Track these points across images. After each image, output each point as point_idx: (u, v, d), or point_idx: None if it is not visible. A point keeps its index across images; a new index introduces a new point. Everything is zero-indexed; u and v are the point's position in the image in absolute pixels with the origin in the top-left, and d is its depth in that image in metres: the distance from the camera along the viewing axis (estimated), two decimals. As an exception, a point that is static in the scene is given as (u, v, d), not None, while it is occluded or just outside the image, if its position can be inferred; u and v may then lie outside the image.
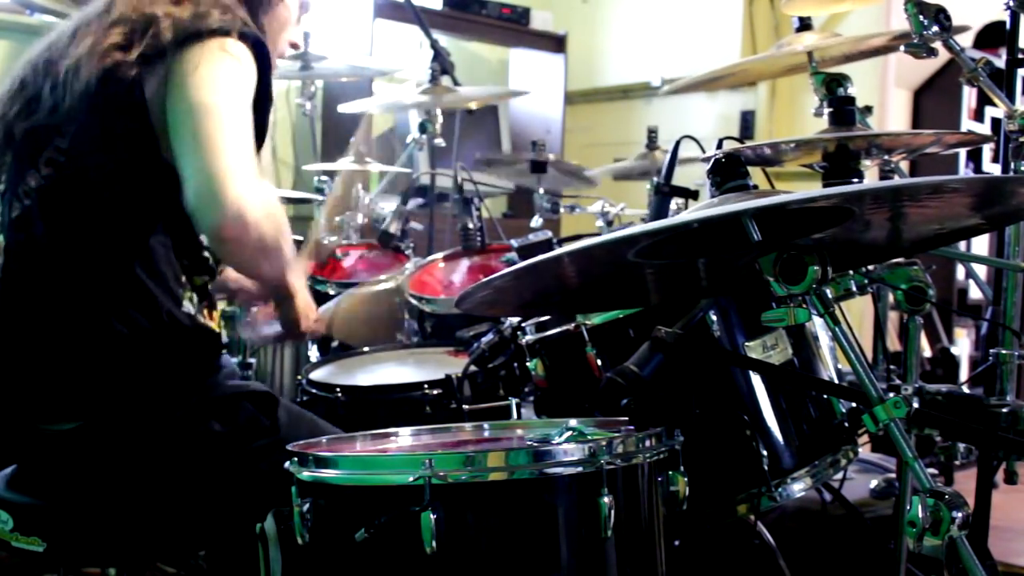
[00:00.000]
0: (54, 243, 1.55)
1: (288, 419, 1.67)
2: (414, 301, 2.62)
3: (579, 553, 1.25)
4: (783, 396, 1.64)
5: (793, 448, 1.63)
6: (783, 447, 1.63)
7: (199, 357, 1.62)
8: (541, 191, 3.28)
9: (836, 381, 1.74)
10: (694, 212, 1.31)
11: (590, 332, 1.66)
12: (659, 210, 2.10)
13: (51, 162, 1.55)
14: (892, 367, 2.48)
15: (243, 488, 1.57)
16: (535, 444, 1.37)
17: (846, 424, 1.67)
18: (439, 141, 3.23)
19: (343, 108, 3.39)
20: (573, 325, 1.69)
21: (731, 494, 1.62)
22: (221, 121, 1.47)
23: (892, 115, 4.91)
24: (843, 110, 1.73)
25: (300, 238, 2.98)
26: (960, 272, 4.80)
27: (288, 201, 3.57)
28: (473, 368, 2.11)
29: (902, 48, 1.82)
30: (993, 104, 1.84)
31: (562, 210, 3.35)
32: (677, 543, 1.71)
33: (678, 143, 2.09)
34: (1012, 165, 1.82)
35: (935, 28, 1.75)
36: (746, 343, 1.63)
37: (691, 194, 2.21)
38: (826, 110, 1.77)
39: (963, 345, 5.04)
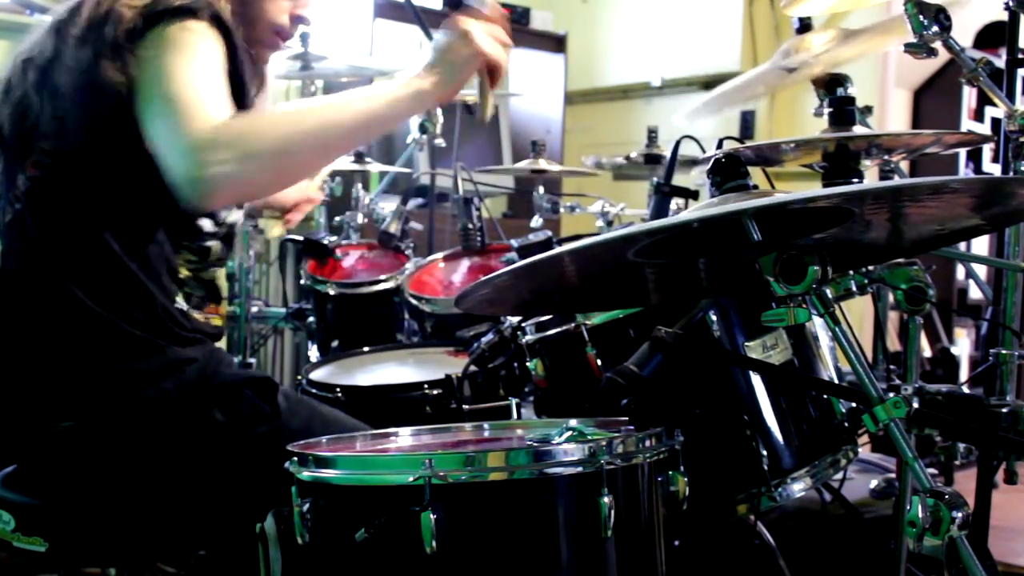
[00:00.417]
0: (46, 244, 1.55)
1: (287, 404, 1.67)
2: (414, 301, 2.62)
3: (579, 553, 1.25)
4: (783, 396, 1.64)
5: (793, 448, 1.63)
6: (783, 447, 1.63)
7: (196, 350, 1.62)
8: (541, 191, 3.28)
9: (836, 381, 1.74)
10: (694, 212, 1.31)
11: (590, 332, 1.66)
12: (659, 210, 2.10)
13: (37, 164, 1.55)
14: (892, 367, 2.48)
15: (246, 479, 1.57)
16: (535, 444, 1.37)
17: (846, 424, 1.67)
18: (439, 141, 3.23)
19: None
20: (573, 325, 1.69)
21: (731, 494, 1.62)
22: (179, 96, 1.41)
23: (892, 115, 4.91)
24: (843, 110, 1.74)
25: (299, 238, 3.00)
26: (960, 272, 4.80)
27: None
28: (473, 368, 2.11)
29: (902, 48, 1.82)
30: (993, 104, 1.84)
31: (562, 210, 3.35)
32: (677, 543, 1.72)
33: (678, 143, 2.09)
34: (1012, 165, 1.82)
35: (935, 28, 1.75)
36: (746, 343, 1.63)
37: (691, 194, 2.21)
38: (826, 110, 1.77)
39: (963, 345, 5.05)
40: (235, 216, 1.72)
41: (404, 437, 1.55)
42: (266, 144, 1.39)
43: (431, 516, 1.18)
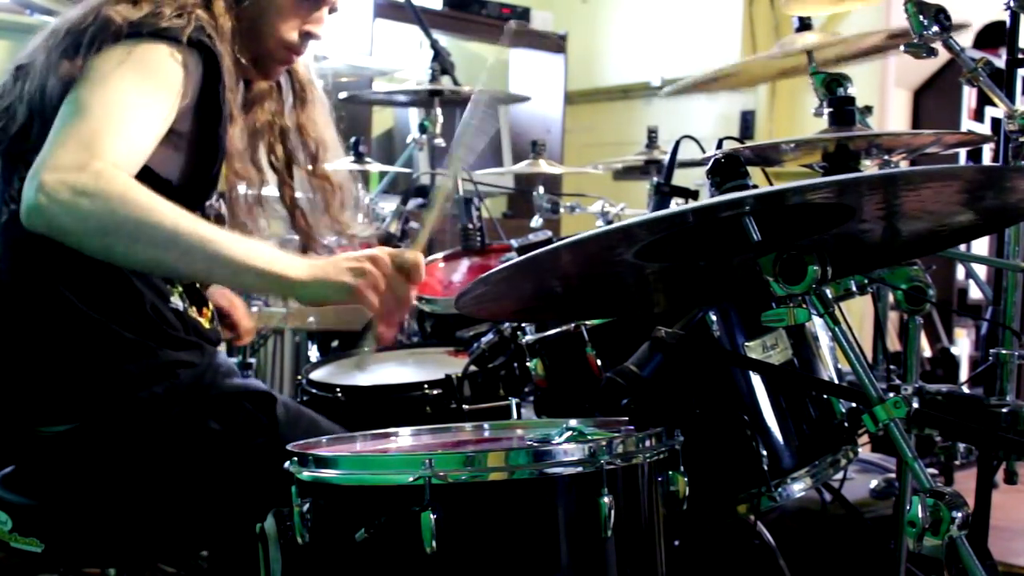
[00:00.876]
0: (36, 245, 1.54)
1: (287, 417, 1.66)
2: (414, 301, 2.62)
3: (579, 553, 1.25)
4: (783, 396, 1.64)
5: (793, 448, 1.63)
6: (783, 447, 1.63)
7: (192, 352, 1.62)
8: (541, 190, 3.28)
9: (836, 381, 1.74)
10: (691, 206, 1.31)
11: (590, 332, 1.66)
12: (659, 210, 2.10)
13: (29, 164, 1.55)
14: (892, 367, 2.48)
15: (242, 487, 1.57)
16: (535, 444, 1.37)
17: (846, 424, 1.67)
18: (439, 141, 3.23)
19: (343, 95, 3.37)
20: (573, 325, 1.69)
21: (731, 494, 1.62)
22: (83, 116, 1.39)
23: (892, 115, 4.91)
24: (843, 110, 1.73)
25: (295, 237, 2.99)
26: (960, 272, 4.80)
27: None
28: (473, 368, 2.11)
29: (902, 48, 1.82)
30: (993, 104, 1.84)
31: (562, 210, 3.35)
32: (677, 543, 1.71)
33: (678, 143, 2.09)
34: (1012, 165, 1.82)
35: (935, 28, 1.75)
36: (746, 343, 1.63)
37: (691, 194, 2.21)
38: (826, 110, 1.77)
39: (963, 345, 5.05)
40: None
41: (404, 437, 1.55)
42: (109, 225, 1.34)
43: (431, 516, 1.18)
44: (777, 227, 1.25)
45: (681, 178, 2.10)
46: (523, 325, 1.83)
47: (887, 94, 4.80)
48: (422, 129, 3.22)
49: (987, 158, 4.83)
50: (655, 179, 2.08)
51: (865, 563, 1.92)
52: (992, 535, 1.94)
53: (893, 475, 2.11)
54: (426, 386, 2.10)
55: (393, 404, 2.14)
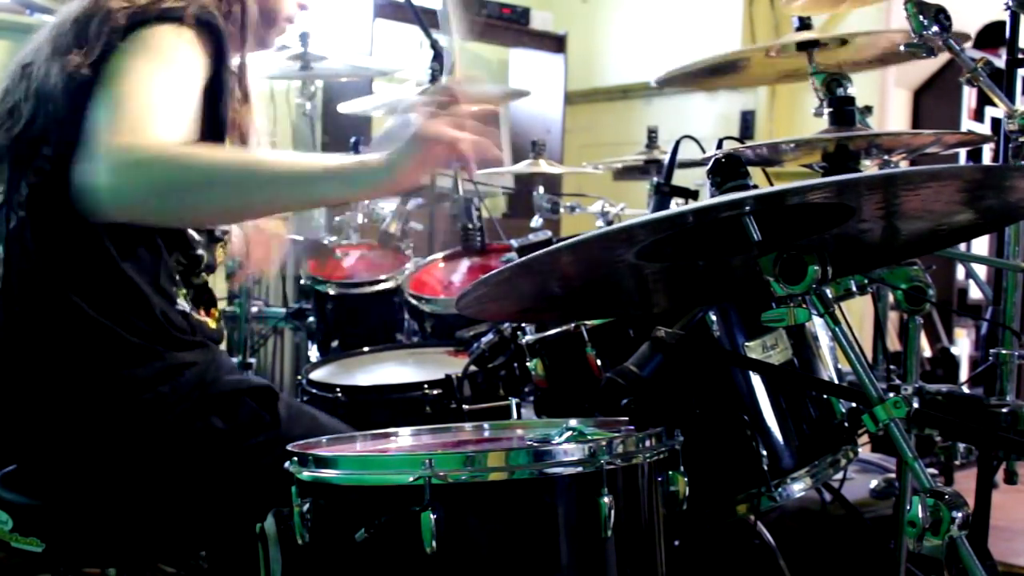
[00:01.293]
0: (44, 251, 1.55)
1: (288, 414, 1.66)
2: (414, 301, 2.62)
3: (579, 553, 1.25)
4: (783, 396, 1.64)
5: (793, 448, 1.63)
6: (783, 447, 1.63)
7: (197, 353, 1.62)
8: (541, 190, 3.28)
9: (836, 381, 1.74)
10: (691, 207, 1.31)
11: (590, 332, 1.66)
12: (659, 210, 2.10)
13: (39, 171, 1.55)
14: (892, 367, 2.48)
15: (244, 485, 1.57)
16: (535, 444, 1.37)
17: (846, 424, 1.67)
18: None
19: (343, 108, 3.39)
20: (573, 325, 1.69)
21: (731, 494, 1.62)
22: (141, 85, 1.40)
23: (892, 115, 4.91)
24: (843, 110, 1.74)
25: (299, 237, 3.00)
26: (960, 272, 4.80)
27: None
28: (473, 368, 2.11)
29: (902, 48, 1.82)
30: (993, 104, 1.84)
31: (562, 210, 3.35)
32: (677, 543, 1.71)
33: (678, 143, 2.09)
34: (1012, 164, 1.82)
35: (935, 28, 1.75)
36: (746, 343, 1.63)
37: (691, 194, 2.21)
38: (826, 110, 1.77)
39: (963, 345, 5.05)
40: None
41: (404, 437, 1.55)
42: (178, 180, 1.34)
43: (431, 516, 1.18)
44: (777, 227, 1.25)
45: (681, 178, 2.10)
46: (523, 325, 1.83)
47: (887, 94, 4.80)
48: (422, 129, 3.21)
49: (987, 158, 4.84)
50: (655, 179, 2.08)
51: (865, 563, 1.92)
52: (992, 535, 1.94)
53: (893, 475, 2.11)
54: (426, 386, 2.10)
55: (393, 404, 2.14)
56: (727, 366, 1.65)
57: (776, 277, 1.21)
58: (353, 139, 3.24)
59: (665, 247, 1.32)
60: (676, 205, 2.35)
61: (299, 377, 2.32)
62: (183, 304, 1.63)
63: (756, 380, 1.62)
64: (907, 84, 5.24)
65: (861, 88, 1.82)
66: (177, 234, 1.62)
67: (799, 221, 1.28)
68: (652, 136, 3.44)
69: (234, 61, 1.65)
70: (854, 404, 1.60)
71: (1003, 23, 2.02)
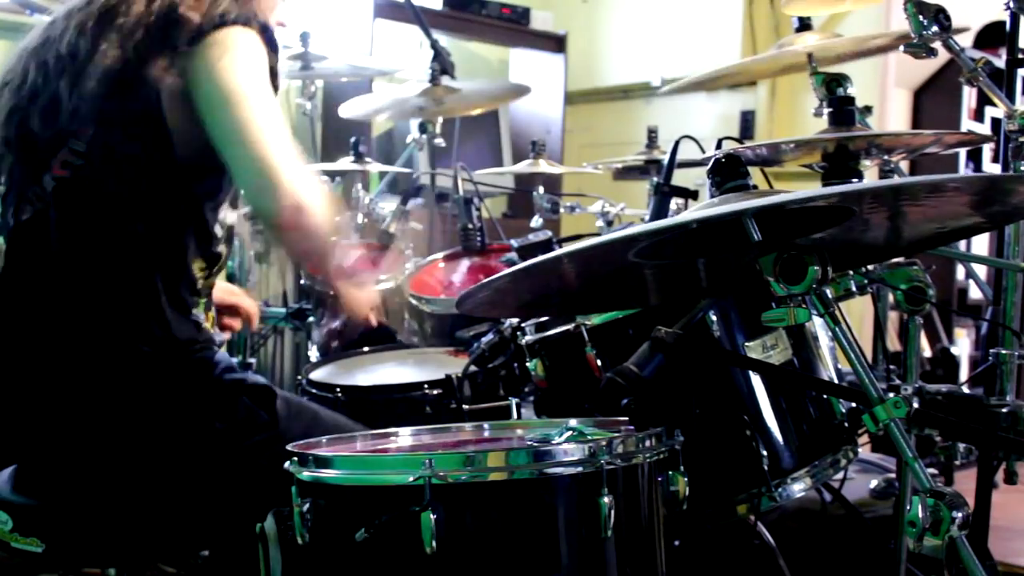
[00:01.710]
0: (67, 248, 1.54)
1: (288, 412, 1.66)
2: (414, 301, 2.62)
3: (579, 553, 1.25)
4: (783, 396, 1.64)
5: (793, 448, 1.63)
6: (783, 447, 1.63)
7: (203, 360, 1.62)
8: (541, 190, 3.28)
9: (836, 381, 1.74)
10: (694, 212, 1.31)
11: (590, 332, 1.66)
12: (659, 210, 2.10)
13: (67, 164, 1.54)
14: (892, 367, 2.48)
15: (244, 484, 1.57)
16: (535, 444, 1.37)
17: (846, 424, 1.67)
18: (439, 141, 3.23)
19: (343, 108, 3.39)
20: (573, 325, 1.69)
21: (731, 494, 1.62)
22: (254, 108, 1.49)
23: (892, 115, 4.90)
24: (843, 110, 1.73)
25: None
26: (960, 272, 4.80)
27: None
28: (473, 368, 2.11)
29: (902, 48, 1.82)
30: (993, 104, 1.84)
31: (562, 210, 3.35)
32: (677, 543, 1.71)
33: (678, 143, 2.09)
34: (1012, 165, 1.82)
35: (935, 28, 1.75)
36: (746, 343, 1.63)
37: (691, 194, 2.21)
38: (826, 110, 1.77)
39: (963, 345, 5.05)
40: (232, 217, 1.72)
41: (404, 437, 1.55)
42: (318, 228, 1.52)
43: (431, 516, 1.18)
44: (777, 227, 1.25)
45: (680, 178, 2.10)
46: (523, 325, 1.83)
47: (887, 94, 4.80)
48: (422, 129, 3.22)
49: (987, 158, 4.84)
50: (655, 179, 2.08)
51: (865, 563, 1.92)
52: (992, 535, 1.94)
53: (893, 475, 2.11)
54: (426, 386, 2.10)
55: (393, 404, 2.14)
56: (727, 366, 1.65)
57: (776, 277, 1.21)
58: (353, 139, 3.24)
59: (665, 246, 1.32)
60: (676, 205, 2.35)
61: (299, 377, 2.32)
62: (199, 314, 1.63)
63: (756, 380, 1.62)
64: (907, 84, 5.24)
65: (861, 88, 1.81)
66: (205, 231, 1.62)
67: (799, 221, 1.28)
68: (652, 136, 3.44)
69: None
70: (854, 404, 1.60)
71: (1003, 23, 2.02)
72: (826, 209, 1.24)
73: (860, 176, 1.75)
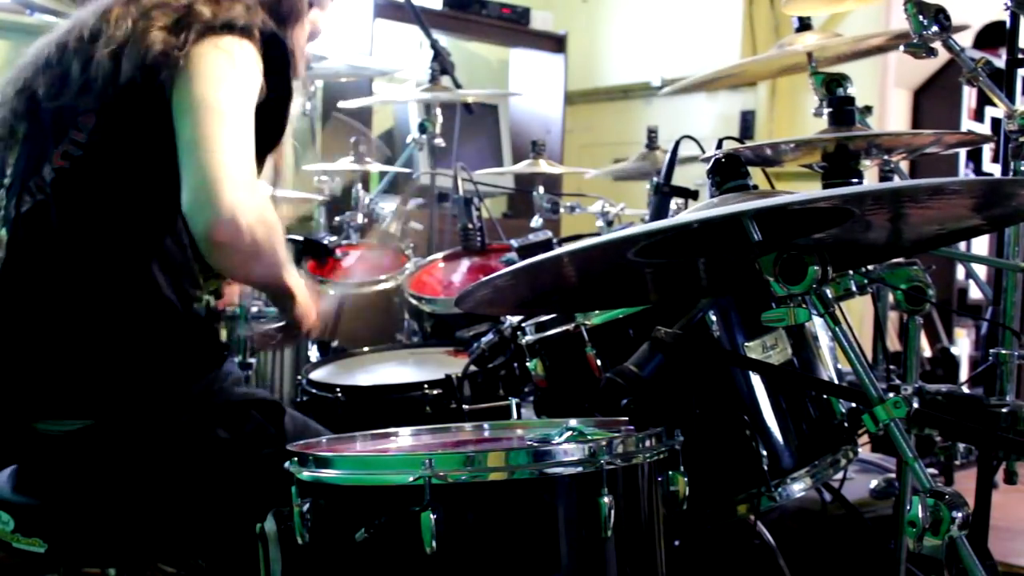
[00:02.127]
0: (68, 238, 1.53)
1: (294, 428, 1.67)
2: (414, 301, 2.62)
3: (579, 553, 1.25)
4: (783, 396, 1.64)
5: (793, 448, 1.63)
6: (783, 447, 1.63)
7: (205, 359, 1.62)
8: (541, 190, 3.28)
9: (836, 381, 1.74)
10: (694, 212, 1.31)
11: (590, 332, 1.66)
12: (659, 210, 2.10)
13: (67, 155, 1.54)
14: (892, 367, 2.48)
15: (247, 496, 1.57)
16: (535, 444, 1.37)
17: (846, 424, 1.67)
18: (439, 141, 3.23)
19: (343, 105, 3.39)
20: (573, 325, 1.69)
21: (731, 494, 1.62)
22: (222, 120, 1.47)
23: (892, 115, 4.90)
24: (843, 110, 1.73)
25: (299, 237, 3.00)
26: (960, 272, 4.80)
27: (288, 201, 3.57)
28: (473, 368, 2.11)
29: (902, 48, 1.82)
30: (993, 104, 1.84)
31: (562, 210, 3.35)
32: (677, 543, 1.71)
33: (678, 143, 2.09)
34: (1012, 165, 1.82)
35: (935, 28, 1.75)
36: (746, 343, 1.63)
37: (691, 194, 2.21)
38: (826, 110, 1.77)
39: (963, 345, 5.04)
40: None
41: (404, 437, 1.55)
42: (271, 254, 1.53)
43: (431, 516, 1.18)
44: (777, 227, 1.25)
45: (679, 178, 2.11)
46: (523, 325, 1.83)
47: (887, 94, 4.80)
48: (422, 129, 3.22)
49: (987, 158, 4.84)
50: (655, 179, 2.08)
51: (865, 563, 1.92)
52: (992, 535, 1.94)
53: (893, 475, 2.11)
54: (426, 386, 2.10)
55: (393, 404, 2.14)
56: (727, 366, 1.65)
57: (776, 277, 1.21)
58: (353, 139, 3.24)
59: (665, 245, 1.32)
60: (676, 205, 2.35)
61: (299, 377, 2.32)
62: (200, 309, 1.63)
63: (756, 380, 1.62)
64: (907, 84, 5.24)
65: (861, 88, 1.81)
66: None
67: (800, 221, 1.28)
68: (652, 136, 3.44)
69: None
70: (854, 404, 1.60)
71: (1003, 23, 2.02)
72: (826, 210, 1.24)
73: (860, 176, 1.75)
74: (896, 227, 1.39)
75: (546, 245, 2.35)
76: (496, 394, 2.12)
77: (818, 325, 1.74)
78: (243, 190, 1.44)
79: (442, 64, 3.24)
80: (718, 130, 4.65)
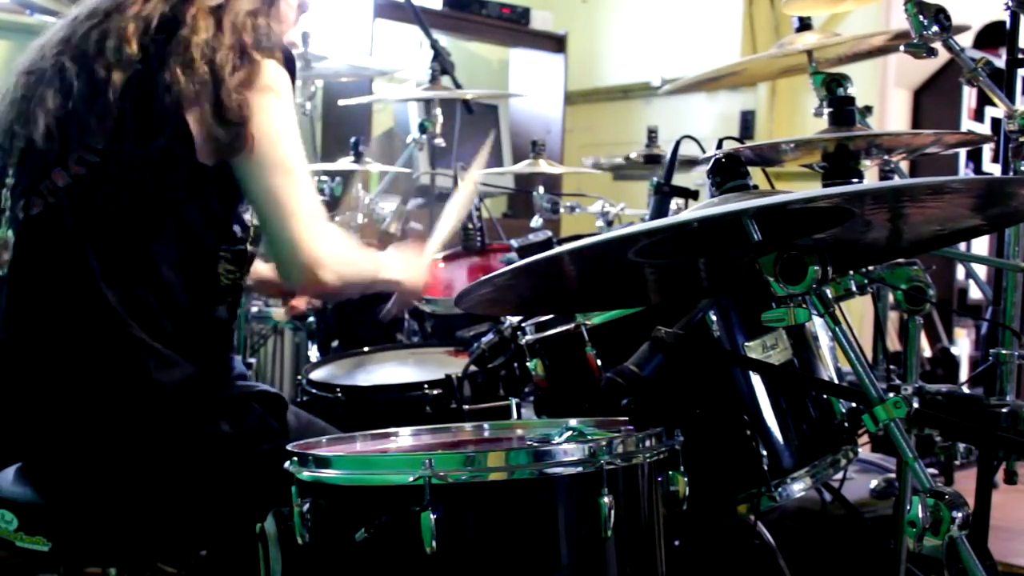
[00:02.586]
0: (82, 244, 1.53)
1: (298, 424, 1.67)
2: (414, 301, 2.61)
3: (579, 553, 1.25)
4: (783, 396, 1.64)
5: (793, 448, 1.63)
6: (783, 447, 1.63)
7: (212, 358, 1.62)
8: (541, 190, 3.28)
9: (836, 381, 1.74)
10: (694, 211, 1.31)
11: (590, 332, 1.66)
12: (659, 210, 2.10)
13: (82, 161, 1.53)
14: (892, 367, 2.48)
15: (249, 490, 1.57)
16: (535, 444, 1.37)
17: (846, 424, 1.67)
18: (439, 141, 3.23)
19: (343, 102, 3.39)
20: (573, 325, 1.69)
21: (731, 494, 1.62)
22: (292, 179, 1.57)
23: (892, 115, 4.90)
24: (843, 110, 1.73)
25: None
26: (960, 272, 4.80)
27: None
28: (473, 368, 2.11)
29: (902, 48, 1.82)
30: (993, 104, 1.84)
31: (562, 210, 3.35)
32: (677, 543, 1.71)
33: (678, 143, 2.09)
34: (1012, 165, 1.82)
35: (935, 28, 1.75)
36: (746, 343, 1.63)
37: (691, 194, 2.21)
38: (826, 110, 1.77)
39: (963, 345, 5.04)
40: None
41: (404, 437, 1.55)
42: (355, 283, 1.74)
43: (431, 516, 1.18)
44: (777, 227, 1.25)
45: (680, 178, 2.11)
46: (523, 325, 1.83)
47: (887, 94, 4.80)
48: (422, 129, 3.22)
49: (987, 158, 4.84)
50: (655, 179, 2.08)
51: (865, 563, 1.92)
52: (992, 535, 1.94)
53: (893, 475, 2.11)
54: (426, 386, 2.10)
55: (393, 404, 2.14)
56: (727, 366, 1.65)
57: (776, 277, 1.21)
58: (353, 139, 3.24)
59: (665, 245, 1.32)
60: (676, 205, 2.35)
61: (299, 377, 2.32)
62: (223, 313, 1.63)
63: (756, 380, 1.62)
64: (907, 84, 5.24)
65: (861, 88, 1.81)
66: (225, 231, 1.63)
67: (800, 221, 1.28)
68: (652, 136, 3.44)
69: None
70: (854, 404, 1.60)
71: (1003, 23, 2.02)
72: (827, 210, 1.24)
73: (860, 176, 1.75)
74: (896, 227, 1.39)
75: (546, 245, 2.35)
76: (496, 394, 2.12)
77: (818, 325, 1.74)
78: (321, 244, 1.58)
79: (442, 64, 3.24)
80: (718, 130, 4.65)
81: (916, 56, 1.80)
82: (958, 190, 1.24)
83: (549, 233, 2.47)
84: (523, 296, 1.59)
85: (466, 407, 2.03)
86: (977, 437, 1.68)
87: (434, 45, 3.32)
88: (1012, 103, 1.87)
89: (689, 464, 1.37)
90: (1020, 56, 1.99)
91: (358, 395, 2.17)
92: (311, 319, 2.94)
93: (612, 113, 5.41)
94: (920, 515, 1.16)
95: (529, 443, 1.43)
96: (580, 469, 1.23)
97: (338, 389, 2.16)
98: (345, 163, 3.21)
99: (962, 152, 4.78)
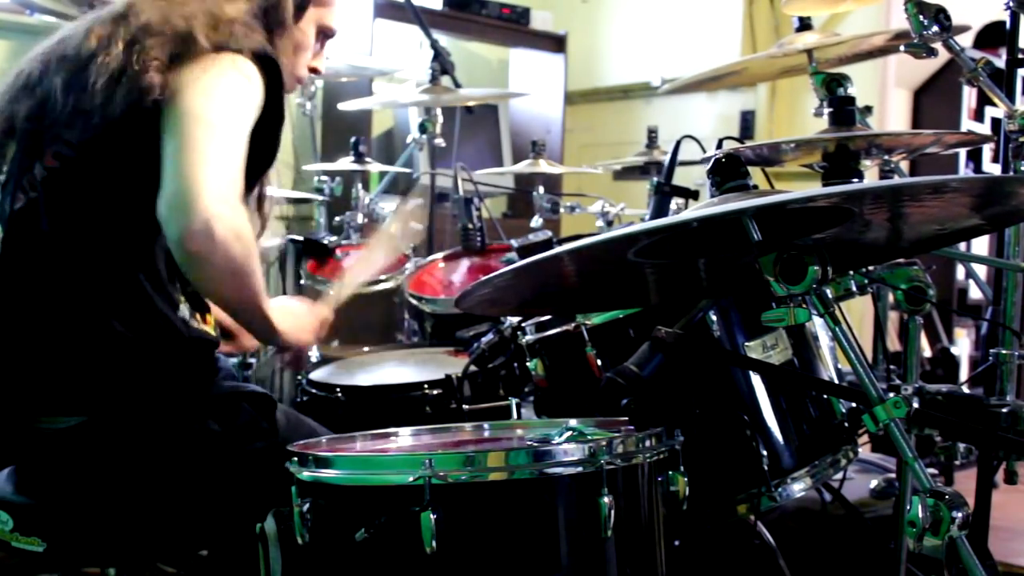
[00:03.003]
0: (57, 238, 1.54)
1: (287, 423, 1.66)
2: (414, 301, 2.62)
3: (579, 553, 1.25)
4: (783, 396, 1.64)
5: (793, 448, 1.63)
6: (783, 447, 1.63)
7: (195, 360, 1.62)
8: (541, 190, 3.28)
9: (836, 381, 1.74)
10: (694, 211, 1.31)
11: (590, 332, 1.66)
12: (659, 210, 2.10)
13: (57, 155, 1.54)
14: (892, 367, 2.48)
15: (241, 489, 1.57)
16: (535, 444, 1.37)
17: (846, 424, 1.67)
18: (439, 141, 3.23)
19: (343, 105, 3.39)
20: (573, 325, 1.69)
21: (731, 494, 1.62)
22: (211, 132, 1.45)
23: (892, 115, 4.90)
24: (843, 110, 1.73)
25: (299, 237, 3.00)
26: (960, 272, 4.79)
27: (288, 201, 3.58)
28: (473, 368, 2.11)
29: (902, 48, 1.82)
30: (993, 104, 1.84)
31: (562, 210, 3.35)
32: (677, 543, 1.71)
33: (678, 143, 2.09)
34: (1012, 165, 1.82)
35: (935, 28, 1.75)
36: (746, 343, 1.63)
37: (691, 194, 2.21)
38: (826, 110, 1.77)
39: (963, 345, 5.04)
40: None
41: (404, 437, 1.55)
42: (245, 270, 1.45)
43: (431, 516, 1.18)
44: (777, 227, 1.25)
45: (680, 177, 2.11)
46: (523, 325, 1.83)
47: (887, 94, 4.80)
48: (422, 129, 3.22)
49: (987, 158, 4.84)
50: (655, 179, 2.08)
51: (865, 563, 1.92)
52: (992, 535, 1.94)
53: (893, 475, 2.11)
54: (426, 386, 2.10)
55: (393, 404, 2.14)
56: (727, 366, 1.65)
57: (776, 277, 1.21)
58: (353, 139, 3.24)
59: (665, 245, 1.32)
60: (676, 205, 2.35)
61: (299, 377, 2.32)
62: (184, 311, 1.63)
63: (756, 380, 1.62)
64: (907, 84, 5.24)
65: (861, 88, 1.82)
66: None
67: (800, 221, 1.28)
68: (652, 136, 3.44)
69: None
70: (854, 404, 1.60)
71: (1003, 23, 2.02)
72: (826, 209, 1.24)
73: (860, 176, 1.75)
74: (896, 227, 1.39)
75: (546, 245, 2.35)
76: (496, 394, 2.11)
77: (818, 325, 1.74)
78: (222, 203, 1.40)
79: (442, 64, 3.24)
80: (718, 130, 4.65)
81: (916, 56, 1.80)
82: (958, 189, 1.24)
83: (549, 233, 2.48)
84: (523, 296, 1.59)
85: (466, 407, 2.03)
86: (977, 437, 1.68)
87: (434, 45, 3.32)
88: (1012, 103, 1.87)
89: (689, 464, 1.37)
90: (1020, 56, 1.99)
91: (358, 395, 2.17)
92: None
93: (612, 113, 5.41)
94: (920, 515, 1.16)
95: (529, 443, 1.43)
96: (580, 469, 1.23)
97: (338, 389, 2.16)
98: (345, 163, 3.22)
99: (962, 152, 4.77)
